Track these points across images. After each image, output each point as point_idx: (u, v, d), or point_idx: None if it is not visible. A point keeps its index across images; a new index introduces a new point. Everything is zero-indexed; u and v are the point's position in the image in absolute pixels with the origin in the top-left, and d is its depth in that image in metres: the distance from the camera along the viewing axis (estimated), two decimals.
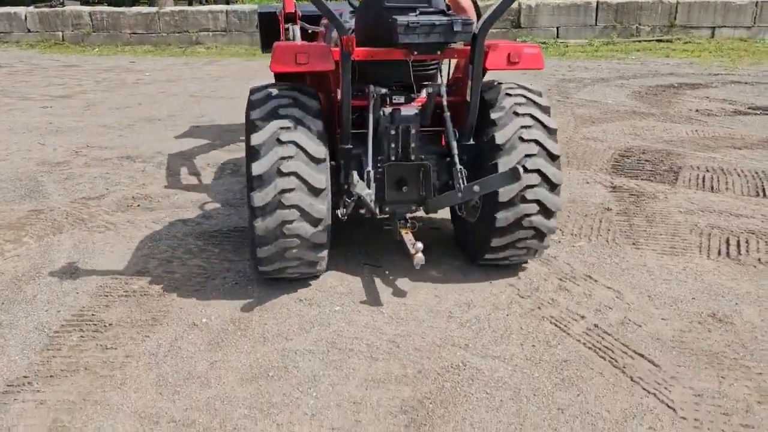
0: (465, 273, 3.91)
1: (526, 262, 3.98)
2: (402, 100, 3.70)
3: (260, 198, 3.20)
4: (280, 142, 3.22)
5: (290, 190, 3.19)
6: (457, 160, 3.46)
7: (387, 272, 3.92)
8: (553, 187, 3.46)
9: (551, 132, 3.47)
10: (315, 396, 2.81)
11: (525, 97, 3.55)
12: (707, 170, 5.90)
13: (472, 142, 3.60)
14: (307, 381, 2.91)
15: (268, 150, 3.21)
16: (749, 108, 8.63)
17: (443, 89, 3.57)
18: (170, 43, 16.28)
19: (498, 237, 3.54)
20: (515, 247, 3.62)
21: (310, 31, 5.17)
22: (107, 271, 4.04)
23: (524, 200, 3.44)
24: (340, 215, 3.39)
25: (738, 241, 4.38)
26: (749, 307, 3.53)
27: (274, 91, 3.39)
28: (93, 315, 3.50)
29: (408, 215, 3.69)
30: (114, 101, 9.81)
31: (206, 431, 2.60)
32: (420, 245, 3.32)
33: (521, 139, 3.41)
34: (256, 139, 3.22)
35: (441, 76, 4.32)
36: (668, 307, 3.54)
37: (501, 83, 3.67)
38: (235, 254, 4.21)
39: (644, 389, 2.84)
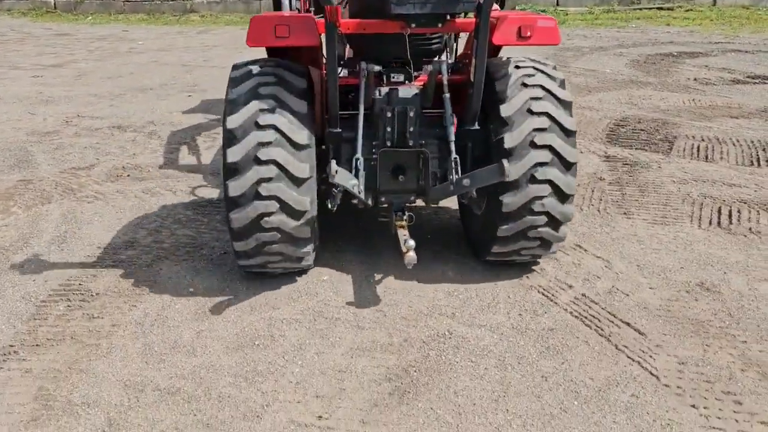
0: (456, 246, 3.90)
1: (538, 258, 3.53)
2: (401, 78, 3.39)
3: (235, 187, 2.93)
4: (258, 126, 2.93)
5: (269, 179, 2.92)
6: (452, 147, 3.10)
7: (376, 243, 3.91)
8: (568, 166, 3.08)
9: (565, 105, 3.12)
10: (300, 364, 2.81)
11: (536, 68, 3.23)
12: (702, 139, 5.85)
13: (476, 126, 3.21)
14: (293, 349, 2.92)
15: (245, 135, 2.93)
16: (748, 77, 8.54)
17: (444, 67, 3.18)
18: (164, 11, 16.06)
19: (504, 224, 3.16)
20: (526, 237, 3.23)
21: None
22: (95, 241, 4.03)
23: (534, 180, 3.06)
24: (329, 206, 3.07)
25: (730, 211, 4.36)
26: (737, 276, 3.53)
27: (256, 69, 3.11)
28: (80, 285, 3.49)
29: (407, 205, 3.39)
30: (106, 70, 9.70)
31: (191, 399, 2.61)
32: (412, 243, 3.03)
33: (530, 111, 3.06)
34: (232, 122, 2.95)
35: (448, 51, 3.99)
36: (656, 276, 3.53)
37: (510, 58, 3.33)
38: (224, 224, 4.19)
39: (629, 357, 2.84)
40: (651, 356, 2.85)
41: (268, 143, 2.93)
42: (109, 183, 5.05)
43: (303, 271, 3.57)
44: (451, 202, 4.22)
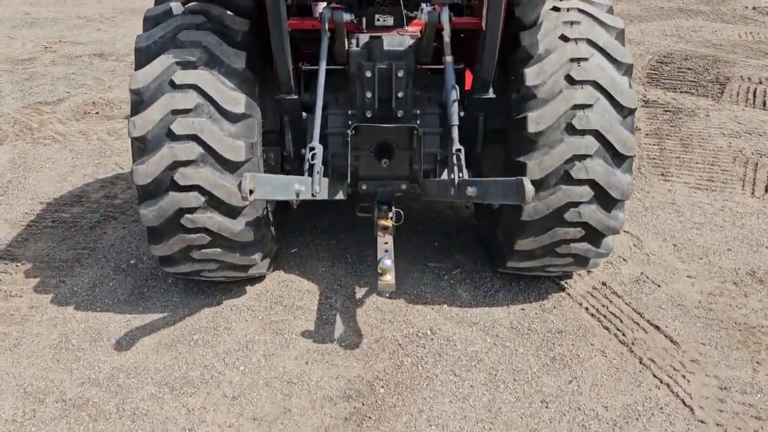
0: (451, 220, 3.28)
1: (569, 275, 2.74)
2: (389, 22, 2.46)
3: (144, 173, 2.14)
4: (174, 86, 2.15)
5: (188, 162, 2.13)
6: (455, 135, 2.20)
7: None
8: (620, 159, 2.18)
9: (622, 69, 2.24)
10: (242, 370, 2.28)
11: (582, 11, 2.33)
12: (760, 82, 5.00)
13: (490, 95, 2.35)
14: (238, 349, 2.38)
15: (156, 98, 2.15)
16: None
17: (445, 15, 2.25)
18: None
19: (524, 237, 2.33)
20: (553, 253, 2.38)
21: None
22: (40, 193, 3.49)
23: (569, 180, 2.19)
24: (290, 201, 2.31)
25: None
26: None
27: (177, 6, 2.34)
28: (7, 251, 2.98)
29: (396, 196, 2.60)
30: None
31: (99, 416, 2.11)
32: (389, 264, 2.21)
33: (570, 79, 2.17)
34: (139, 80, 2.16)
35: None
36: (697, 261, 2.88)
37: None
38: None
39: (655, 377, 2.24)
40: (684, 376, 2.24)
41: (187, 111, 2.15)
42: (73, 121, 4.48)
43: None
44: None
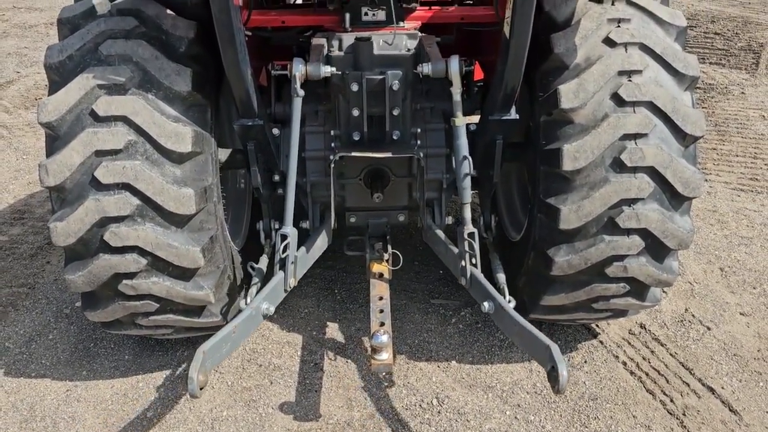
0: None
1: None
2: (380, 17, 1.96)
3: (65, 231, 1.69)
4: (97, 118, 1.68)
5: (122, 219, 1.69)
6: (467, 213, 1.85)
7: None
8: (679, 201, 1.76)
9: (685, 83, 1.77)
10: None
11: (632, 4, 1.83)
12: None
13: (513, 116, 1.88)
14: None
15: (75, 133, 1.68)
16: None
17: (454, 65, 1.84)
18: None
19: (552, 293, 1.90)
20: (588, 309, 1.97)
21: None
22: None
23: (614, 230, 1.75)
24: (251, 270, 2.03)
25: None
26: None
27: (103, 4, 1.66)
28: None
29: (389, 233, 2.21)
30: None
31: None
32: (384, 340, 1.74)
33: (617, 99, 1.71)
34: (51, 109, 1.68)
35: None
36: (750, 290, 2.43)
37: None
38: None
39: None
40: None
41: (116, 152, 1.68)
42: (21, 110, 3.94)
43: None
44: None
